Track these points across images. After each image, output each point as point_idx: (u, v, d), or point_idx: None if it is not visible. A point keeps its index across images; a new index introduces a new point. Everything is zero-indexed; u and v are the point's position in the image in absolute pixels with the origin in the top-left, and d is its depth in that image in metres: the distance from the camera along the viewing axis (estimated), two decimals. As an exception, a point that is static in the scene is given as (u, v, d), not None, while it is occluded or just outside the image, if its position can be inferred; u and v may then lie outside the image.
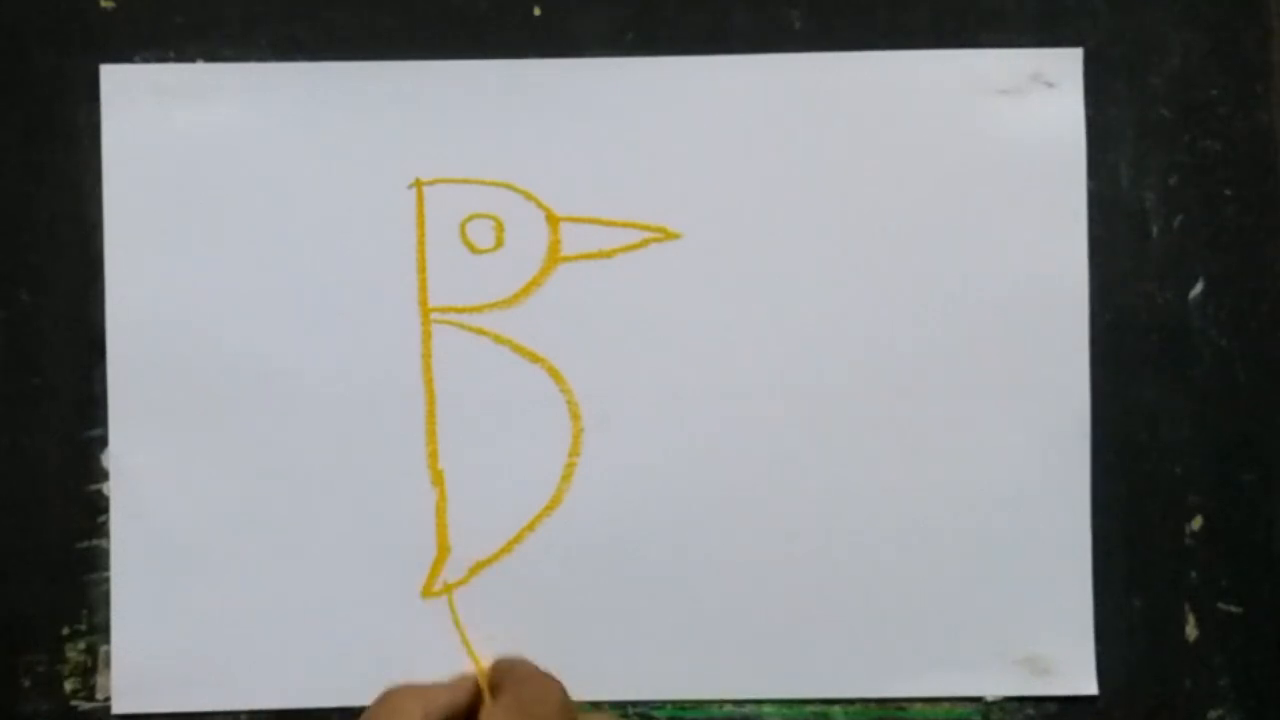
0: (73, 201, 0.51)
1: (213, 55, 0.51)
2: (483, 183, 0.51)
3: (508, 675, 0.47)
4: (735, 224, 0.51)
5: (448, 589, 0.50)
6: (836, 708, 0.51)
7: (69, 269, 0.51)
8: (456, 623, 0.50)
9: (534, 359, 0.51)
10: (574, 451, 0.50)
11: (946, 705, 0.51)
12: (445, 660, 0.50)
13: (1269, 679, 0.51)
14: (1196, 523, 0.51)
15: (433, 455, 0.50)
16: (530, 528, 0.50)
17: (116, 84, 0.51)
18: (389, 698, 0.45)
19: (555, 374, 0.51)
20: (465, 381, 0.51)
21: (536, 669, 0.47)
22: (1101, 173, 0.51)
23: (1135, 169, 0.51)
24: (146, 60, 0.51)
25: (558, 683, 0.46)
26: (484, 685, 0.47)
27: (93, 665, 0.51)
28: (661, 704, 0.51)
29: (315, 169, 0.51)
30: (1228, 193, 0.51)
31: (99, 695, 0.50)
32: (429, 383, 0.51)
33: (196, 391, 0.50)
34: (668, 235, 0.51)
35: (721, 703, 0.51)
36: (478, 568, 0.50)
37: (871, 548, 0.51)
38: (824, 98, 0.51)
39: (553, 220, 0.51)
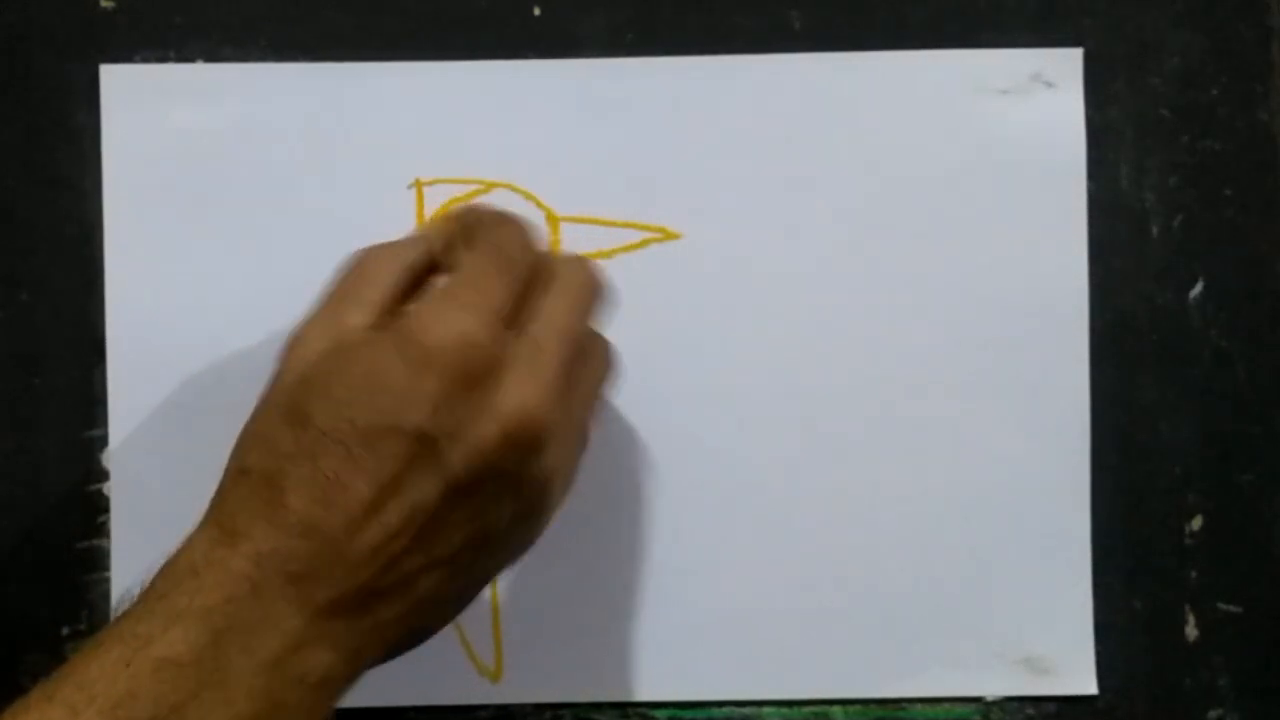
0: (73, 202, 0.51)
1: (213, 55, 0.51)
2: (483, 183, 0.51)
3: (476, 224, 0.42)
4: (735, 224, 0.51)
5: (448, 589, 0.50)
6: (836, 708, 0.51)
7: (69, 269, 0.51)
8: (456, 623, 0.50)
9: (534, 359, 0.50)
10: (574, 451, 0.50)
11: (946, 705, 0.51)
12: (445, 660, 0.50)
13: (1269, 679, 0.51)
14: (1196, 523, 0.51)
15: (433, 455, 0.50)
16: (530, 528, 0.50)
17: (116, 84, 0.51)
18: (357, 263, 0.42)
19: (555, 374, 0.50)
20: (465, 381, 0.50)
21: (500, 215, 0.43)
22: (1101, 173, 0.51)
23: (1135, 169, 0.51)
24: (146, 60, 0.51)
25: (522, 225, 0.42)
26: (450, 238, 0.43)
27: (93, 665, 0.50)
28: (661, 704, 0.51)
29: (315, 169, 0.51)
30: (1228, 193, 0.51)
31: (99, 695, 0.50)
32: (429, 383, 0.51)
33: (196, 391, 0.50)
34: (668, 235, 0.51)
35: (721, 703, 0.51)
36: (478, 568, 0.50)
37: (871, 547, 0.51)
38: (824, 98, 0.51)
39: (553, 220, 0.51)
